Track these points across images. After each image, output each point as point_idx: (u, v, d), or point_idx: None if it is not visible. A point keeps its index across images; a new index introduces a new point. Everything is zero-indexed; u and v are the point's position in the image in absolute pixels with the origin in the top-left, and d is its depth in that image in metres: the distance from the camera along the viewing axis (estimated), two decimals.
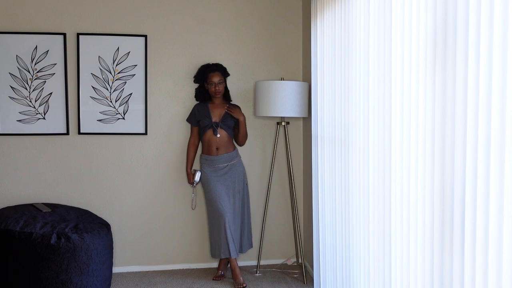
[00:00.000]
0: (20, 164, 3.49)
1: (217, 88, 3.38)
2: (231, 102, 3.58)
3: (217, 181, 3.40)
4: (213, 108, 3.47)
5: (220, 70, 3.44)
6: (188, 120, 3.56)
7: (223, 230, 3.30)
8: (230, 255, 3.31)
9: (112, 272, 3.37)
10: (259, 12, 3.76)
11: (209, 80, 3.39)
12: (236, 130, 3.51)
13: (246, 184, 3.55)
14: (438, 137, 1.64)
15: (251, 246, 3.61)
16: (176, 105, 3.67)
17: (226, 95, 3.53)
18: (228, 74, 3.51)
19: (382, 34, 2.10)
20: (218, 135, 3.39)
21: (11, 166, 3.49)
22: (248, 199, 3.57)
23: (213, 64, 3.50)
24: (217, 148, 3.41)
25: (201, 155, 3.51)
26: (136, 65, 3.57)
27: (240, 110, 3.50)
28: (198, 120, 3.47)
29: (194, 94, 3.60)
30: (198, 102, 3.55)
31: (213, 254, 3.44)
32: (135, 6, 3.58)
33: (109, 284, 3.23)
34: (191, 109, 3.56)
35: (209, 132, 3.42)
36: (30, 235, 2.83)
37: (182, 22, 3.65)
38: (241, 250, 3.52)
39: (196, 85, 3.57)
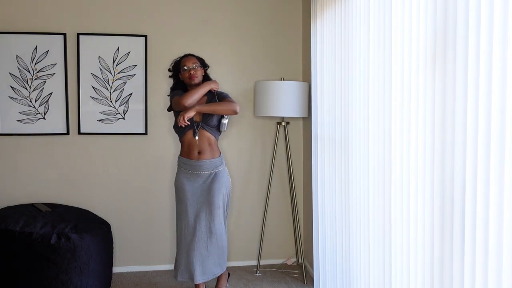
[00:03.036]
0: (20, 164, 3.49)
1: (192, 72, 2.92)
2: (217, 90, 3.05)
3: (193, 193, 2.92)
4: (195, 105, 2.91)
5: (195, 56, 3.04)
6: (177, 95, 2.95)
7: (190, 250, 2.86)
8: (194, 279, 2.85)
9: (112, 272, 3.37)
10: (259, 12, 3.76)
11: (182, 64, 2.96)
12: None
13: (229, 196, 3.02)
14: (438, 137, 1.64)
15: (222, 270, 3.02)
16: None
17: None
18: (207, 66, 3.09)
19: (382, 34, 2.10)
20: (197, 138, 2.89)
21: (11, 166, 3.49)
22: (226, 215, 3.04)
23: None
24: (199, 152, 2.91)
25: (179, 157, 3.02)
26: (136, 65, 3.57)
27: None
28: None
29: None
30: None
31: (175, 274, 2.95)
32: (135, 6, 3.58)
33: (109, 284, 3.23)
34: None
35: (190, 134, 2.93)
36: (30, 235, 2.82)
37: (182, 22, 3.65)
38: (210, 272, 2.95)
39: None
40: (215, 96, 3.00)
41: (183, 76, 2.97)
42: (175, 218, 3.04)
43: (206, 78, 3.07)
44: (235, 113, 2.92)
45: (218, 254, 2.96)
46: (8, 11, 3.42)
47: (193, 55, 3.03)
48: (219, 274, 3.05)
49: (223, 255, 3.00)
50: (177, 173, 3.01)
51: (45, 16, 3.46)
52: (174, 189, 3.07)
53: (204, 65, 3.06)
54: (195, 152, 2.91)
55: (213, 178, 2.93)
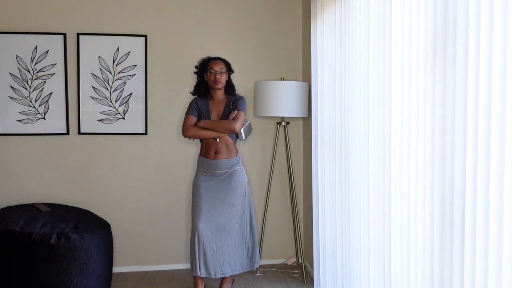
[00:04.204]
0: (20, 164, 3.49)
1: (217, 76, 2.98)
2: (237, 94, 3.19)
3: (207, 190, 2.99)
4: (213, 107, 3.07)
5: (223, 60, 3.09)
6: (188, 113, 3.05)
7: (194, 245, 2.91)
8: (197, 273, 2.94)
9: (112, 272, 3.37)
10: (259, 12, 3.76)
11: (209, 67, 3.02)
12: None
13: (246, 196, 3.08)
14: (438, 137, 1.64)
15: (253, 267, 3.14)
16: (176, 105, 3.67)
17: (228, 90, 3.13)
18: (232, 71, 3.16)
19: (382, 34, 2.10)
20: (218, 140, 2.99)
21: (11, 166, 3.49)
22: (250, 213, 3.10)
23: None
24: (215, 152, 3.01)
25: (198, 157, 3.13)
26: (136, 65, 3.57)
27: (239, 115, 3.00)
28: (198, 112, 3.05)
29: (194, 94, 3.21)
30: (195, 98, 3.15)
31: (194, 270, 3.01)
32: (135, 6, 3.58)
33: (109, 284, 3.23)
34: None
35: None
36: (30, 235, 2.83)
37: (182, 22, 3.65)
38: (234, 269, 3.05)
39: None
40: (230, 101, 3.07)
41: (208, 77, 3.04)
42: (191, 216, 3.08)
43: (229, 82, 3.13)
44: (232, 131, 2.97)
45: (227, 252, 3.00)
46: (8, 11, 3.42)
47: (221, 59, 3.09)
48: (221, 276, 3.05)
49: (232, 256, 3.02)
50: (196, 172, 3.12)
51: (45, 16, 3.46)
52: (191, 188, 3.16)
53: (229, 70, 3.13)
54: (212, 152, 3.02)
55: (228, 177, 3.02)
